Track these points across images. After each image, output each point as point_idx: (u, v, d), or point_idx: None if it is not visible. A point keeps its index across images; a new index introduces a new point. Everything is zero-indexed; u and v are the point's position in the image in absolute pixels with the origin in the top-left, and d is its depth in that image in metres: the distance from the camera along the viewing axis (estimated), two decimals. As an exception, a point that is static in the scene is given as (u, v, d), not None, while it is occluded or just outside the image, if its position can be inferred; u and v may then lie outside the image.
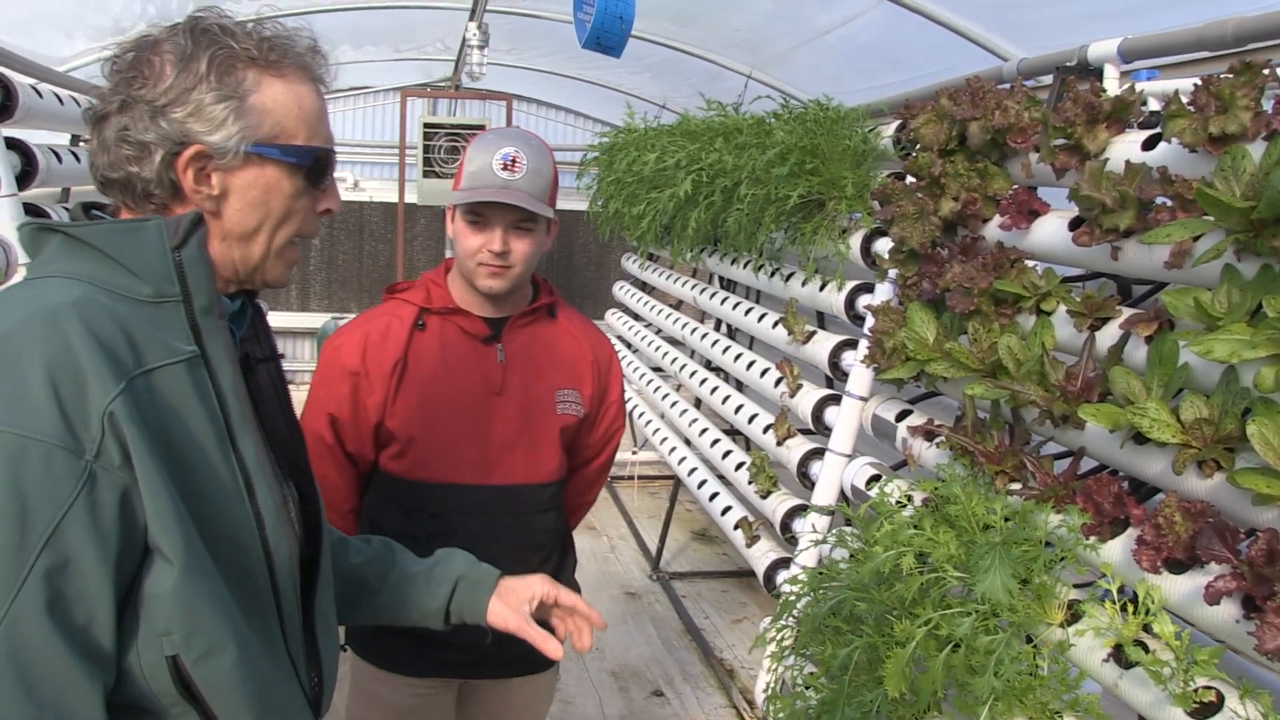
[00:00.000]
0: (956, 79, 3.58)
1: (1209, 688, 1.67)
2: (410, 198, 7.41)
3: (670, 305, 5.88)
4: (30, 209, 3.06)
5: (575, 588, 2.41)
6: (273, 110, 1.25)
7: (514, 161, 2.05)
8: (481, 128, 6.94)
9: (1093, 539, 1.96)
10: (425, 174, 6.95)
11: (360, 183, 8.91)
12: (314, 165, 1.30)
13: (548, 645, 1.66)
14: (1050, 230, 2.35)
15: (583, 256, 9.51)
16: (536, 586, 1.72)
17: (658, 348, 5.68)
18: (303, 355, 9.18)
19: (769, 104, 4.36)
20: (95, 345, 1.09)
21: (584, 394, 2.32)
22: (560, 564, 2.38)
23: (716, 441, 4.54)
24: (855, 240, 3.41)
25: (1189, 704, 1.66)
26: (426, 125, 6.91)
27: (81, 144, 4.19)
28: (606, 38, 3.68)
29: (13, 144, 3.01)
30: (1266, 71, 1.84)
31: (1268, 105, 1.84)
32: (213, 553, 1.18)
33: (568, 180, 9.27)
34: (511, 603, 1.71)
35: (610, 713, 3.83)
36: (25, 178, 3.06)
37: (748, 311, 4.41)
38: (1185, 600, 1.76)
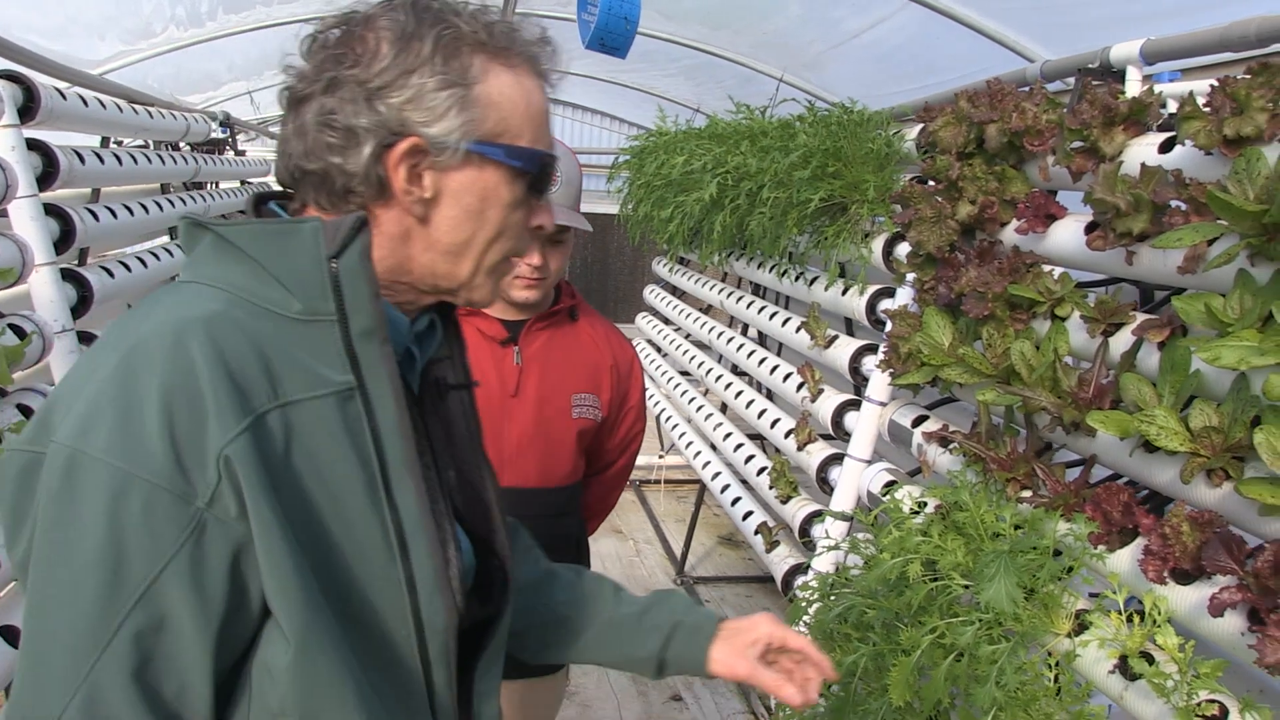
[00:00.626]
0: (981, 82, 3.55)
1: (1212, 701, 1.64)
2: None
3: (699, 309, 5.86)
4: (51, 209, 3.11)
5: None
6: (499, 104, 1.07)
7: (557, 178, 2.04)
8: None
9: (1100, 548, 1.92)
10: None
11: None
12: (539, 172, 1.13)
13: (783, 691, 1.47)
14: (1067, 234, 2.31)
15: (617, 260, 9.52)
16: (762, 628, 1.51)
17: (685, 352, 5.66)
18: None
19: (797, 107, 4.34)
20: (222, 372, 0.94)
21: (602, 398, 2.31)
22: None
23: (740, 446, 4.52)
24: (877, 244, 3.38)
25: (1192, 717, 1.62)
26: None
27: (113, 144, 4.26)
28: (611, 38, 3.68)
29: (34, 145, 3.06)
30: (1284, 73, 1.80)
31: (1286, 107, 1.80)
32: (346, 621, 1.01)
33: (599, 184, 9.30)
34: (737, 647, 1.50)
35: (628, 717, 3.82)
36: (46, 179, 3.11)
37: (772, 316, 4.38)
38: (1192, 612, 1.72)
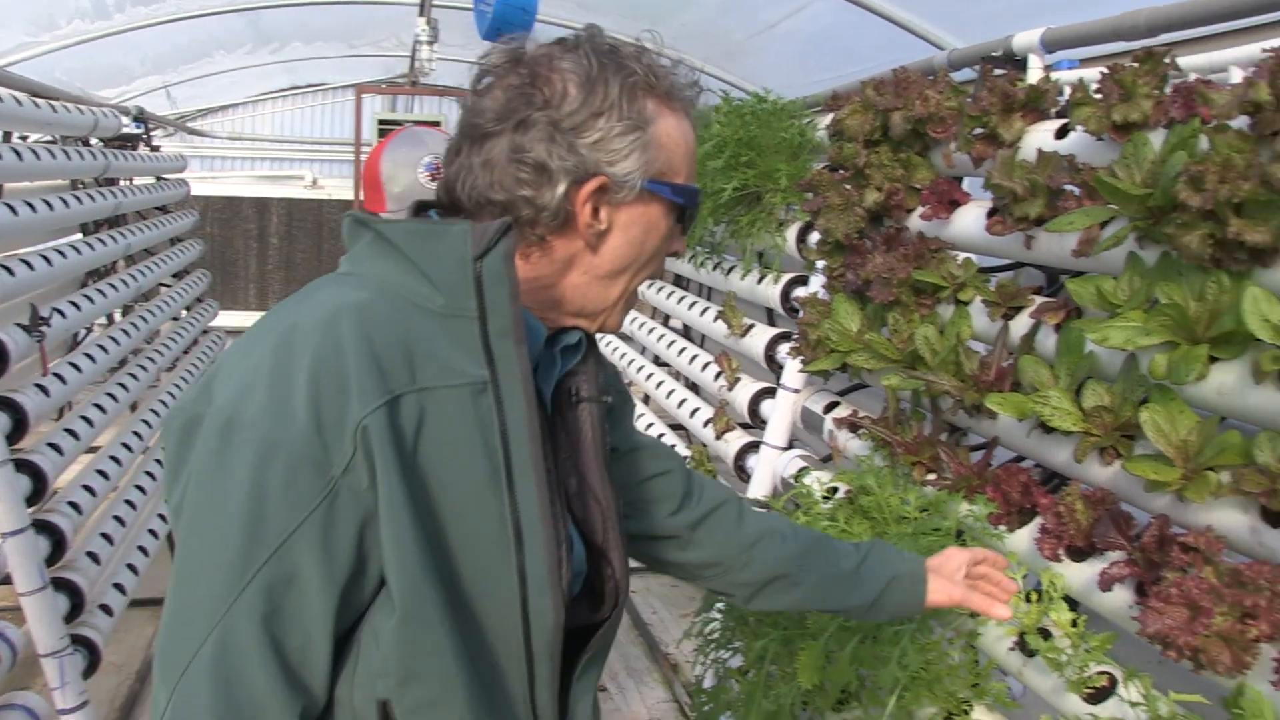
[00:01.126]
0: (888, 71, 3.58)
1: (1103, 673, 1.67)
2: (367, 195, 7.34)
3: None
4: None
5: None
6: (666, 145, 1.16)
7: (439, 169, 2.02)
8: (437, 124, 6.89)
9: (1000, 528, 1.95)
10: (382, 171, 6.91)
11: (319, 180, 8.84)
12: (691, 207, 1.22)
13: (995, 610, 1.60)
14: (970, 220, 2.34)
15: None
16: (959, 556, 1.65)
17: (608, 343, 5.65)
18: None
19: (716, 98, 4.35)
20: (367, 353, 1.02)
21: None
22: None
23: (662, 436, 4.52)
24: (791, 232, 3.40)
25: (1082, 689, 1.66)
26: (381, 122, 6.88)
27: (15, 139, 4.11)
28: (509, 29, 3.65)
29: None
30: (1168, 60, 1.84)
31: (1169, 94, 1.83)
32: (455, 601, 1.07)
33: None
34: (945, 577, 1.63)
35: (547, 708, 3.80)
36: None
37: (691, 305, 4.39)
38: (1087, 587, 1.76)
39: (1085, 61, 2.50)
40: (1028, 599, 1.84)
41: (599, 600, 1.28)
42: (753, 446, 3.50)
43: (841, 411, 2.76)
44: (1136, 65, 1.84)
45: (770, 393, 3.44)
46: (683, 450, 4.22)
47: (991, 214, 2.23)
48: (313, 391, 0.99)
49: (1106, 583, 1.62)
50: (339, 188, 8.78)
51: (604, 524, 1.28)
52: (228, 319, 8.18)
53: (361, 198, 7.31)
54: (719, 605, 2.50)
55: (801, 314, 2.91)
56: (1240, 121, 1.60)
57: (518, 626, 1.11)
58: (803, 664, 2.05)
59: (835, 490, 2.47)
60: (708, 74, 5.63)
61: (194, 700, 0.97)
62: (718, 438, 3.76)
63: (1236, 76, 1.79)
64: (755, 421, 3.55)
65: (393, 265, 1.10)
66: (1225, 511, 1.54)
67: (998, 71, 2.32)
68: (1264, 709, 1.34)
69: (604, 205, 1.15)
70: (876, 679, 1.91)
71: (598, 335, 1.30)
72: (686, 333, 4.96)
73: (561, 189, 1.11)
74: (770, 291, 3.51)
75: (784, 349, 3.37)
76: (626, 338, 5.51)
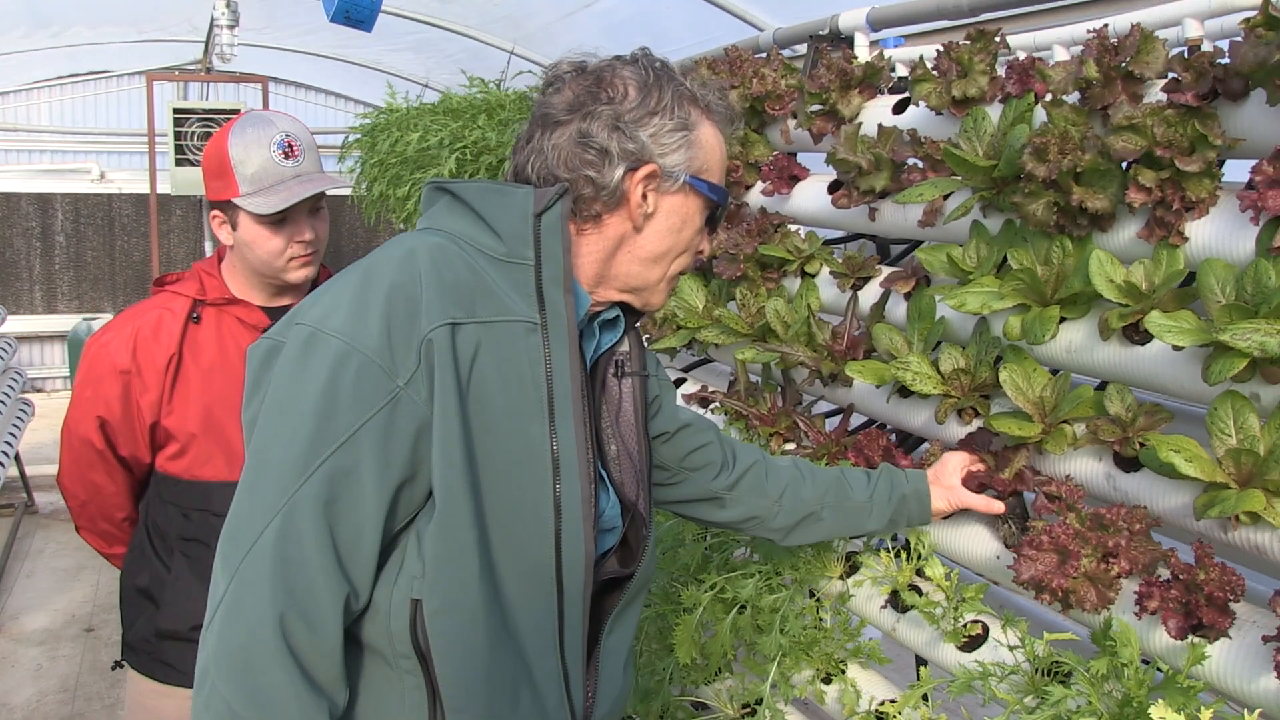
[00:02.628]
0: (717, 50, 3.64)
1: (976, 621, 1.76)
2: (163, 188, 6.91)
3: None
4: None
5: None
6: (705, 148, 1.35)
7: (291, 146, 1.96)
8: (236, 112, 6.54)
9: (865, 491, 2.02)
10: (178, 162, 6.52)
11: (107, 174, 8.24)
12: (722, 206, 1.40)
13: (993, 507, 1.73)
14: (810, 194, 2.41)
15: (350, 243, 9.18)
16: (955, 459, 1.80)
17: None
18: (52, 361, 8.48)
19: (532, 79, 4.31)
20: (435, 283, 1.19)
21: None
22: None
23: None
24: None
25: (959, 638, 1.74)
26: (176, 111, 6.46)
27: None
28: (356, 10, 3.54)
29: None
30: (999, 39, 1.94)
31: (1002, 70, 1.93)
32: (490, 520, 1.21)
33: (327, 165, 8.93)
34: (945, 484, 1.78)
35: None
36: None
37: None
38: (952, 543, 1.85)
39: (910, 39, 2.60)
40: (897, 557, 1.92)
41: (631, 556, 1.43)
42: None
43: (690, 388, 2.79)
44: (970, 43, 1.92)
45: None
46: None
47: (834, 188, 2.29)
48: (387, 310, 1.17)
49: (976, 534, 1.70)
50: (130, 181, 8.20)
51: (638, 486, 1.44)
52: (15, 325, 7.56)
53: (165, 189, 6.84)
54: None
55: (643, 293, 2.93)
56: (1074, 97, 1.70)
57: (550, 556, 1.25)
58: (680, 639, 2.07)
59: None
60: (518, 55, 5.57)
61: (256, 578, 1.11)
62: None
63: (1060, 54, 1.90)
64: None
65: (463, 219, 1.29)
66: (1082, 461, 1.65)
67: (831, 50, 2.38)
68: (1130, 637, 1.44)
69: (651, 191, 1.32)
70: (758, 647, 1.94)
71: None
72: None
73: (620, 171, 1.28)
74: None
75: (622, 329, 3.39)
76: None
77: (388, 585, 1.20)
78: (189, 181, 6.57)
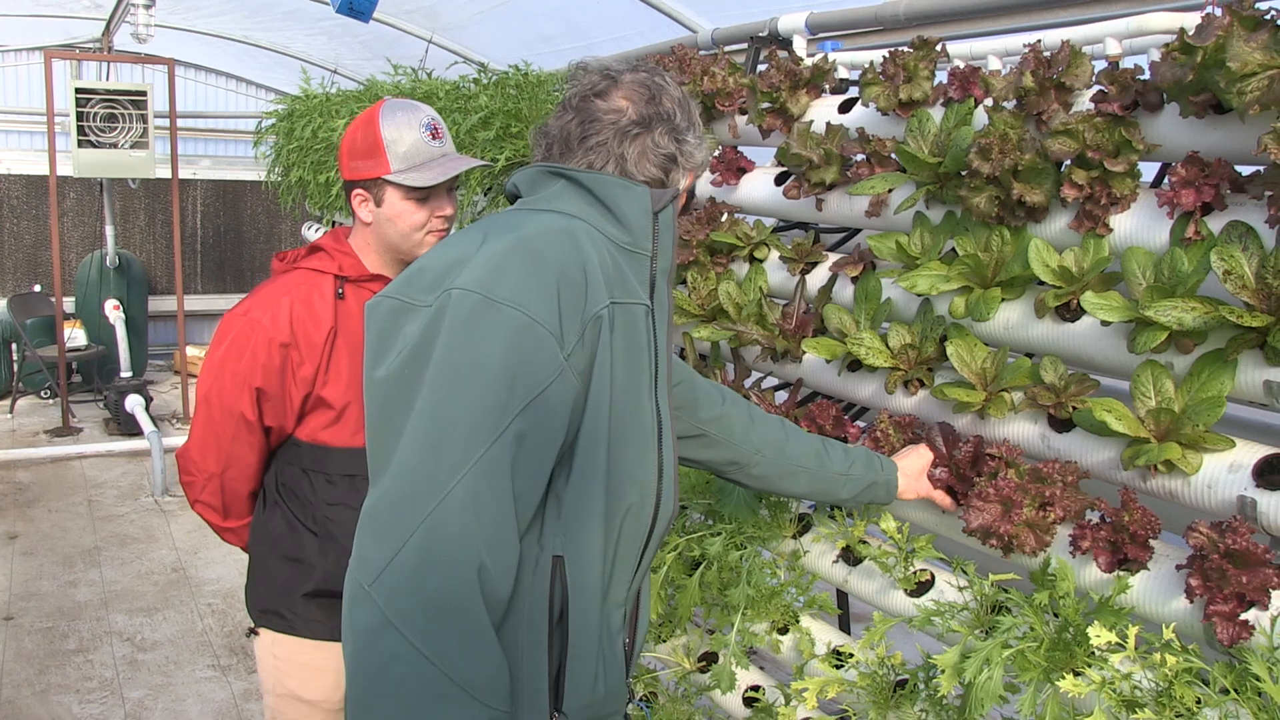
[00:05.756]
0: (645, 47, 3.80)
1: (924, 570, 1.98)
2: (64, 169, 6.72)
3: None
4: None
5: None
6: (697, 154, 1.52)
7: (437, 129, 2.08)
8: (143, 93, 6.42)
9: (818, 457, 2.22)
10: (80, 144, 6.35)
11: (-6, 154, 7.96)
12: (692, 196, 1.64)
13: (947, 502, 1.94)
14: (757, 185, 2.60)
15: (251, 228, 9.06)
16: (923, 455, 1.97)
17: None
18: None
19: (457, 69, 4.41)
20: (596, 264, 1.33)
21: None
22: None
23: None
24: (562, 201, 3.56)
25: (910, 584, 1.95)
26: (79, 91, 6.29)
27: None
28: (360, 2, 3.65)
29: None
30: (940, 48, 2.15)
31: (941, 77, 2.15)
32: (612, 481, 1.36)
33: (231, 149, 8.78)
34: (912, 476, 1.97)
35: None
36: None
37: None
38: (899, 501, 2.06)
39: (846, 42, 2.81)
40: (849, 516, 2.13)
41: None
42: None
43: (638, 367, 2.96)
44: (914, 50, 2.14)
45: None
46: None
47: (781, 180, 2.49)
48: (559, 286, 1.28)
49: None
50: (20, 161, 7.93)
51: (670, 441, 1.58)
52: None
53: (65, 171, 6.59)
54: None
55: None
56: (1010, 103, 1.93)
57: (650, 513, 1.44)
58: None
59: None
60: (436, 44, 5.64)
61: (454, 531, 1.21)
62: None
63: (994, 64, 2.13)
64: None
65: (590, 207, 1.41)
66: (1019, 424, 1.88)
67: (781, 52, 2.57)
68: (1067, 573, 1.67)
69: (686, 190, 1.54)
70: (727, 598, 2.13)
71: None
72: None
73: (682, 173, 1.49)
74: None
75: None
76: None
77: (533, 540, 1.33)
78: (92, 163, 6.42)
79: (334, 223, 6.10)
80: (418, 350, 1.29)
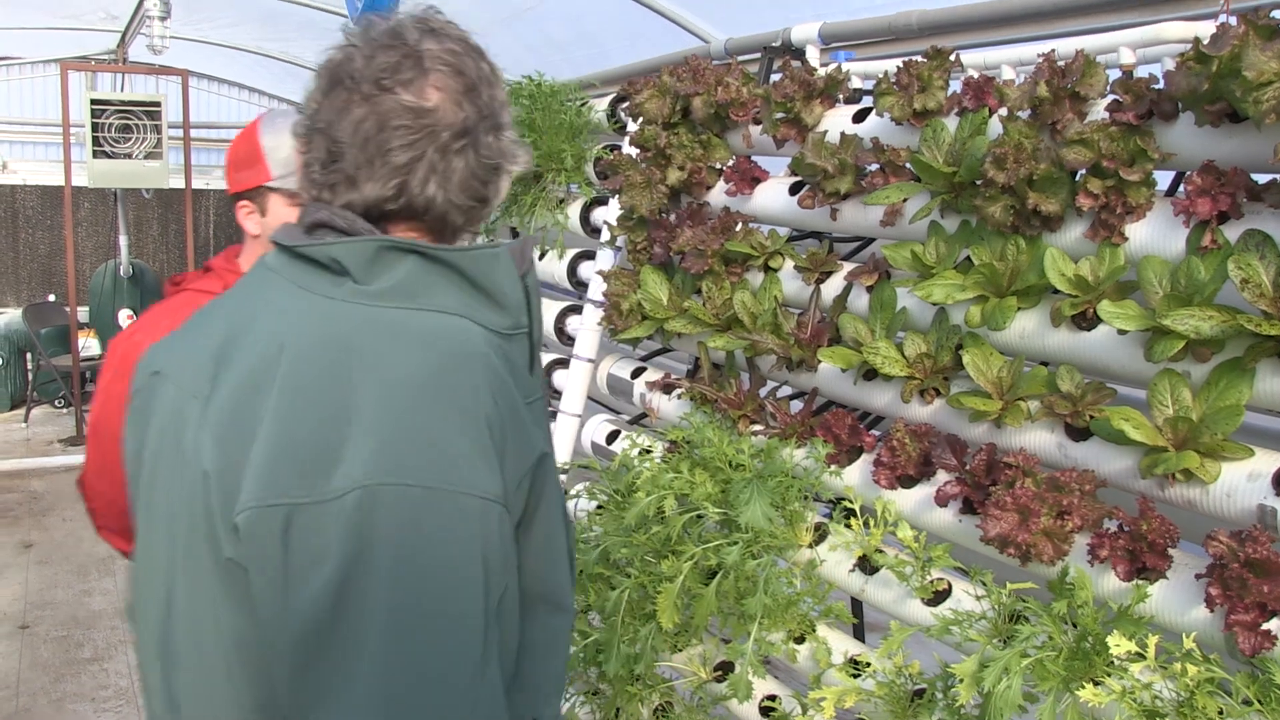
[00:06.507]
0: (657, 57, 3.82)
1: (941, 579, 1.98)
2: (79, 180, 6.77)
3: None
4: None
5: None
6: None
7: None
8: (157, 104, 6.47)
9: (834, 466, 2.23)
10: (95, 154, 6.40)
11: (10, 164, 8.01)
12: None
13: None
14: (771, 195, 2.60)
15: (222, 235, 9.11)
16: None
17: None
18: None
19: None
20: (516, 397, 1.08)
21: None
22: None
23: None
24: (574, 210, 3.57)
25: (927, 593, 1.96)
26: (95, 102, 6.35)
27: None
28: (378, 12, 3.69)
29: None
30: (954, 58, 2.16)
31: (954, 86, 2.16)
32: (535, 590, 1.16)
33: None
34: None
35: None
36: None
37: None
38: (915, 510, 2.06)
39: (859, 51, 2.82)
40: (866, 525, 2.13)
41: None
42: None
43: (652, 375, 2.97)
44: (928, 60, 2.14)
45: (563, 364, 3.61)
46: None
47: (795, 189, 2.50)
48: (496, 444, 1.04)
49: (943, 499, 1.93)
50: (35, 172, 7.99)
51: None
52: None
53: (80, 181, 6.65)
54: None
55: (600, 286, 3.10)
56: (1024, 112, 1.93)
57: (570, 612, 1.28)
58: (662, 606, 2.25)
59: (650, 449, 2.67)
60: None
61: None
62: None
63: (1008, 73, 2.13)
64: (547, 393, 3.70)
65: (458, 293, 1.11)
66: (1035, 433, 1.88)
67: (794, 62, 2.58)
68: (1085, 582, 1.67)
69: None
70: (744, 606, 2.13)
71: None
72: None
73: (505, 183, 1.22)
74: (554, 268, 3.66)
75: (574, 321, 3.55)
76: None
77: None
78: (106, 173, 6.47)
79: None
80: (346, 580, 0.97)
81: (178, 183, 7.06)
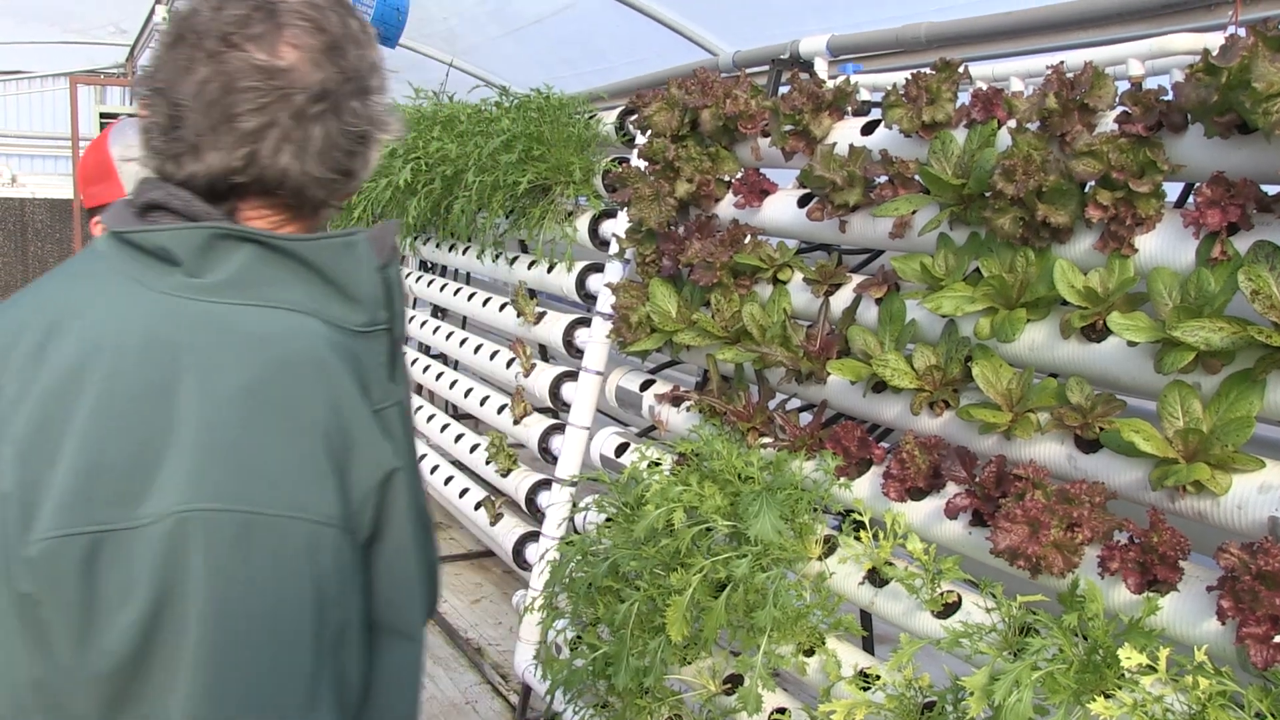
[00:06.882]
0: (665, 70, 3.83)
1: (950, 591, 1.97)
2: (86, 192, 6.81)
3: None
4: None
5: None
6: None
7: None
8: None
9: (843, 479, 2.22)
10: (104, 166, 6.44)
11: (19, 177, 8.07)
12: None
13: None
14: (780, 207, 2.61)
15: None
16: None
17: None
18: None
19: (479, 93, 4.45)
20: (363, 404, 0.97)
21: None
22: None
23: (446, 426, 4.58)
24: (582, 223, 3.58)
25: (937, 606, 1.95)
26: (104, 115, 6.40)
27: None
28: (385, 29, 3.72)
29: None
30: (962, 70, 2.16)
31: (963, 98, 2.16)
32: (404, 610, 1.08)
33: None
34: None
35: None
36: None
37: (470, 296, 4.47)
38: (924, 522, 2.06)
39: (867, 64, 2.82)
40: (876, 537, 2.12)
41: None
42: (556, 429, 3.66)
43: (661, 388, 2.97)
44: (937, 72, 2.15)
45: (571, 376, 3.61)
46: (472, 438, 4.32)
47: (804, 202, 2.50)
48: (335, 459, 0.94)
49: (953, 511, 1.92)
50: (44, 185, 8.05)
51: None
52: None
53: (80, 198, 6.74)
54: (564, 578, 2.66)
55: (609, 299, 3.10)
56: (1033, 124, 1.93)
57: (422, 614, 1.16)
58: (671, 619, 2.25)
59: (658, 462, 2.67)
60: (457, 68, 5.69)
61: None
62: (516, 423, 3.89)
63: (1016, 85, 2.13)
64: (556, 405, 3.71)
65: (302, 286, 1.00)
66: (1045, 445, 1.87)
67: (803, 74, 2.58)
68: (1096, 594, 1.67)
69: None
70: (753, 619, 2.13)
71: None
72: (458, 322, 5.03)
73: (374, 154, 1.10)
74: (563, 280, 3.67)
75: (582, 333, 3.56)
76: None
77: None
78: (116, 187, 6.51)
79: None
80: (157, 615, 0.87)
81: (187, 196, 7.08)
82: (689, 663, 2.46)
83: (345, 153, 1.04)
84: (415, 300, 5.48)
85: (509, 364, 4.01)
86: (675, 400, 2.86)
